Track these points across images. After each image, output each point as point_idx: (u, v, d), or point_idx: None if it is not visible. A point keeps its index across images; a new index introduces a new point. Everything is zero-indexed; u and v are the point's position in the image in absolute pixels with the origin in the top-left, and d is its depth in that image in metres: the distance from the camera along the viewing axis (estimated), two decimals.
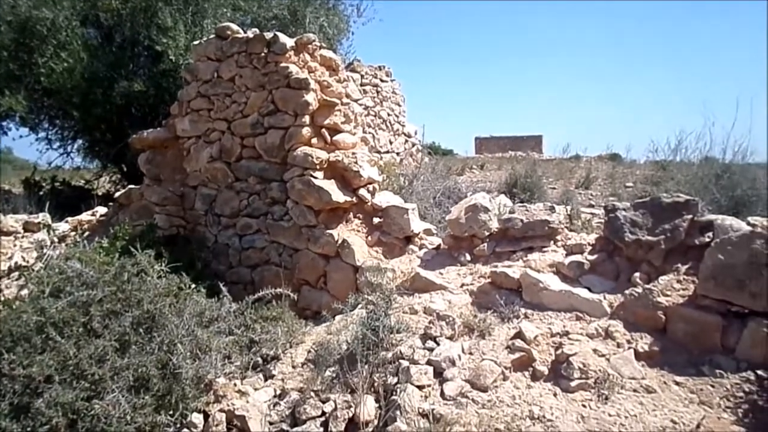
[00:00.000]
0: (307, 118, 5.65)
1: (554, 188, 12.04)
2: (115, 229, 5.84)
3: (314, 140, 5.73)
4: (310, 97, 5.59)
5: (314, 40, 5.97)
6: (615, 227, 4.23)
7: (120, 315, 4.23)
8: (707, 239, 3.91)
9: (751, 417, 3.13)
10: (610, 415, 3.26)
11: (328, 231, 5.55)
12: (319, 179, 5.56)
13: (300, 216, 5.72)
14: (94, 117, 10.61)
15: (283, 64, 5.76)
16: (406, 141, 13.43)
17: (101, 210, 7.94)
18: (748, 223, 3.83)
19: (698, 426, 2.90)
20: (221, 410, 4.03)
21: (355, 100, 6.37)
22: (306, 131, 5.65)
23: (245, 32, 6.23)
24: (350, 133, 5.95)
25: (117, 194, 7.87)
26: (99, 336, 4.09)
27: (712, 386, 3.38)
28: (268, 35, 5.90)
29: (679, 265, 4.01)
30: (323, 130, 5.78)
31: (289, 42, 5.80)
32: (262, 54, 5.90)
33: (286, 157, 5.80)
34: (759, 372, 3.35)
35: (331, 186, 5.53)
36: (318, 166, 5.55)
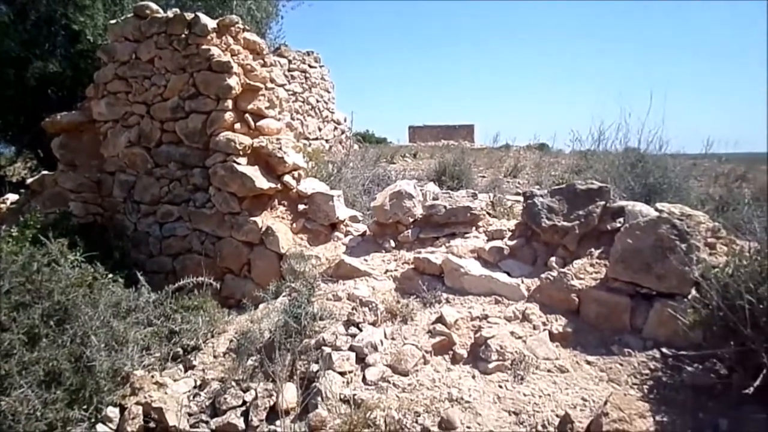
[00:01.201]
0: (229, 103, 5.51)
1: (484, 177, 12.23)
2: (26, 218, 5.52)
3: (237, 125, 5.59)
4: (232, 81, 5.45)
5: (237, 22, 5.82)
6: (533, 213, 4.35)
7: (29, 307, 4.01)
8: (618, 224, 4.08)
9: (655, 393, 3.29)
10: (524, 395, 3.36)
11: (251, 218, 5.45)
12: (243, 165, 5.43)
13: (223, 203, 5.58)
14: (5, 99, 10.00)
15: (204, 47, 5.58)
16: (336, 128, 13.34)
17: (12, 197, 7.49)
18: (656, 209, 4.01)
19: (605, 403, 3.02)
20: (138, 403, 3.90)
21: (280, 85, 6.29)
22: (229, 116, 5.51)
23: (166, 12, 6.00)
24: (275, 118, 5.84)
25: (29, 181, 7.45)
26: (6, 329, 3.86)
27: (621, 364, 3.53)
28: (189, 16, 5.70)
29: (593, 249, 4.17)
30: (247, 115, 5.65)
31: (211, 23, 5.63)
32: (183, 35, 5.70)
33: (208, 142, 5.64)
34: (664, 350, 3.52)
35: (254, 172, 5.42)
36: (241, 152, 5.42)
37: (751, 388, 2.79)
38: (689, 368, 3.31)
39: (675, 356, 3.41)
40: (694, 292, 3.49)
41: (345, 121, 13.37)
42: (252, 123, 5.66)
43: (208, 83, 5.58)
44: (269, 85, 5.82)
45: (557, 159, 15.17)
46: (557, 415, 3.17)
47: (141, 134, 6.08)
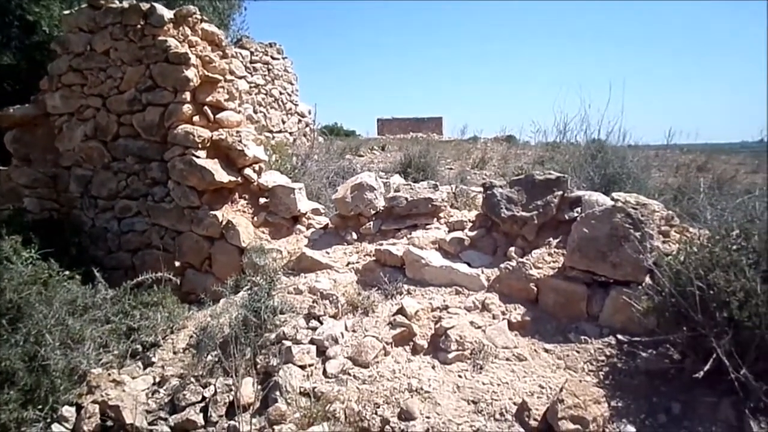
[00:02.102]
0: (187, 95, 5.41)
1: (451, 168, 12.30)
2: None
3: (196, 118, 5.49)
4: (190, 73, 5.34)
5: (195, 13, 5.71)
6: (492, 204, 4.37)
7: None
8: (576, 214, 4.13)
9: (611, 378, 3.35)
10: (483, 384, 3.39)
11: (212, 212, 5.36)
12: (202, 158, 5.34)
13: (182, 197, 5.49)
14: None
15: (161, 38, 5.46)
16: (300, 120, 13.20)
17: None
18: (612, 199, 4.07)
19: (561, 390, 3.06)
20: (94, 402, 3.83)
21: (240, 77, 6.18)
22: (187, 108, 5.41)
23: (121, 2, 5.85)
24: (234, 110, 5.75)
25: None
26: None
27: (578, 352, 3.58)
28: (145, 6, 5.56)
29: (551, 238, 4.22)
30: (205, 107, 5.55)
31: (168, 14, 5.51)
32: (139, 26, 5.56)
33: (166, 135, 5.52)
34: (619, 336, 3.59)
35: (214, 165, 5.33)
36: (200, 145, 5.33)
37: (701, 373, 2.84)
38: (643, 354, 3.37)
39: (630, 342, 3.46)
40: (648, 279, 3.55)
41: (309, 113, 13.27)
42: (211, 115, 5.56)
43: (165, 75, 5.46)
44: (228, 77, 5.73)
45: (524, 151, 15.32)
46: (515, 403, 3.21)
47: (97, 128, 5.93)
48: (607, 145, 6.68)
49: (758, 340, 2.88)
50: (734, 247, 3.17)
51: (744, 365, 2.85)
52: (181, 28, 5.62)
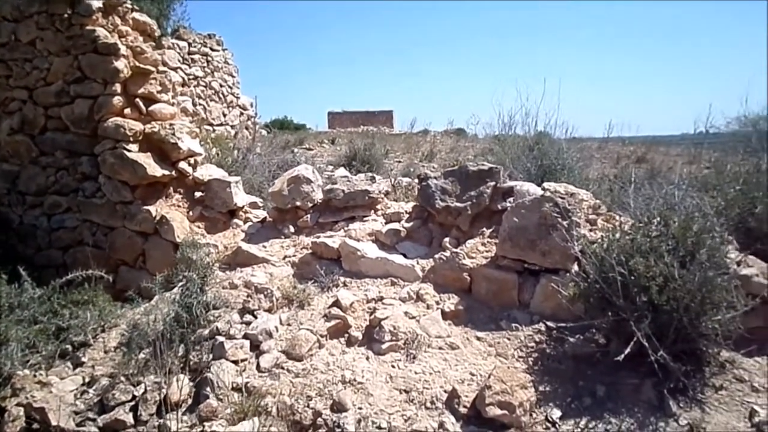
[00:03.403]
0: (118, 87, 5.24)
1: (400, 161, 12.37)
2: None
3: (127, 110, 5.32)
4: (120, 64, 5.18)
5: (125, 2, 5.52)
6: (427, 195, 4.41)
7: None
8: (509, 204, 4.19)
9: (539, 364, 3.42)
10: (416, 373, 3.41)
11: (145, 207, 5.23)
12: (134, 152, 5.18)
13: (114, 192, 5.32)
14: None
15: (89, 27, 5.26)
16: (242, 113, 12.98)
17: None
18: (543, 189, 4.15)
19: (489, 376, 3.11)
20: (19, 404, 3.70)
21: (174, 68, 6.02)
22: (117, 101, 5.24)
23: None
24: (168, 102, 5.60)
25: None
26: None
27: (509, 339, 3.65)
28: None
29: (484, 228, 4.28)
30: (137, 99, 5.38)
31: (96, 3, 5.30)
32: (66, 15, 5.34)
33: (96, 128, 5.33)
34: (548, 323, 3.67)
35: (147, 159, 5.19)
36: (132, 138, 5.17)
37: (623, 356, 2.93)
38: (571, 339, 3.45)
39: (558, 329, 3.56)
40: (575, 266, 3.64)
41: (251, 106, 13.07)
42: (143, 108, 5.40)
43: (94, 66, 5.28)
44: (162, 68, 5.58)
45: (472, 143, 15.50)
46: (446, 391, 3.24)
47: (24, 121, 5.69)
48: (545, 137, 6.82)
49: (676, 323, 2.99)
50: (654, 234, 3.27)
51: (663, 347, 2.95)
52: (110, 18, 5.43)
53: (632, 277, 3.06)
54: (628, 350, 2.93)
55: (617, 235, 3.34)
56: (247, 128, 10.72)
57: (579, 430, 2.95)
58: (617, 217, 4.01)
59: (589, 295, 3.32)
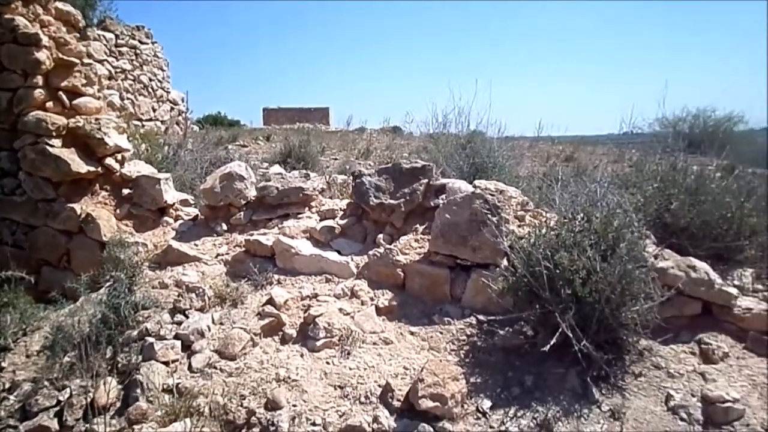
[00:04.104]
0: (39, 79, 5.00)
1: (336, 159, 12.35)
2: None
3: (49, 104, 5.08)
4: (42, 55, 4.95)
5: None
6: (361, 192, 4.44)
7: None
8: (441, 201, 4.27)
9: (470, 356, 3.51)
10: (350, 369, 3.44)
11: (69, 205, 5.02)
12: (57, 147, 4.96)
13: (35, 189, 5.08)
14: None
15: (8, 16, 4.99)
16: (172, 108, 12.62)
17: None
18: (474, 186, 4.25)
19: (422, 370, 3.17)
20: None
21: (100, 61, 5.80)
22: (39, 93, 5.00)
23: None
24: (93, 96, 5.39)
25: None
26: None
27: (441, 333, 3.73)
28: None
29: (418, 225, 4.35)
30: (60, 92, 5.15)
31: None
32: None
33: (16, 122, 5.06)
34: (479, 317, 3.77)
35: (70, 155, 4.98)
36: (54, 133, 4.94)
37: (548, 347, 3.04)
38: (501, 332, 3.56)
39: (488, 322, 3.65)
40: (505, 261, 3.75)
41: (182, 101, 12.74)
42: (67, 101, 5.18)
43: (13, 57, 5.01)
44: (86, 60, 5.36)
45: (408, 141, 15.64)
46: (380, 386, 3.28)
47: None
48: (478, 136, 6.99)
49: (598, 313, 3.13)
50: (578, 229, 3.41)
51: (586, 337, 3.09)
52: (31, 7, 5.17)
53: (557, 271, 3.18)
54: (553, 341, 3.04)
55: (543, 231, 3.46)
56: (178, 124, 10.46)
57: (508, 419, 3.04)
58: (544, 214, 4.16)
59: (517, 289, 3.42)
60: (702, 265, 3.58)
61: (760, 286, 3.84)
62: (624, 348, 3.33)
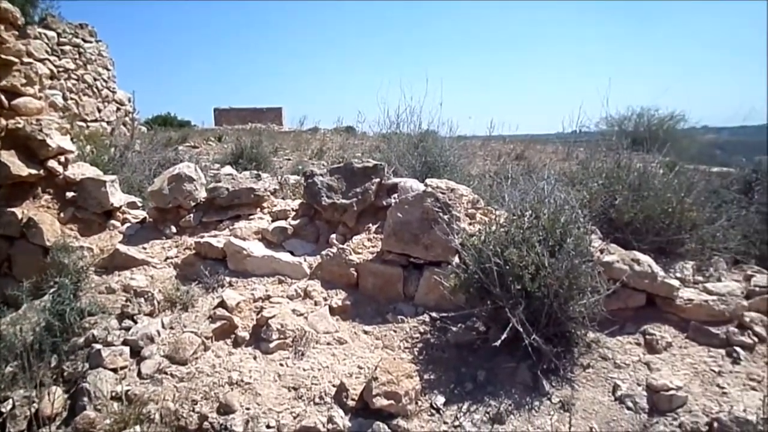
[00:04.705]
0: None
1: (289, 159, 12.26)
2: None
3: None
4: None
5: None
6: (313, 192, 4.42)
7: None
8: (393, 200, 4.30)
9: (424, 353, 3.54)
10: (304, 370, 3.42)
11: (10, 209, 4.81)
12: None
13: None
14: None
15: None
16: (119, 109, 12.26)
17: None
18: (425, 184, 4.29)
19: (376, 368, 3.18)
20: None
21: (41, 60, 5.60)
22: None
23: None
24: (34, 96, 5.18)
25: None
26: None
27: (395, 331, 3.75)
28: None
29: (370, 224, 4.36)
30: None
31: None
32: None
33: None
34: (432, 314, 3.81)
35: (10, 158, 4.78)
36: None
37: (499, 341, 3.09)
38: (453, 328, 3.60)
39: (441, 319, 3.69)
40: (456, 259, 3.79)
41: (129, 101, 12.41)
42: (6, 102, 4.97)
43: None
44: (26, 59, 5.16)
45: (362, 141, 15.66)
46: (334, 386, 3.27)
47: None
48: (430, 135, 7.05)
49: (547, 308, 3.20)
50: (527, 225, 3.48)
51: (536, 331, 3.16)
52: None
53: (507, 267, 3.23)
54: (504, 336, 3.09)
55: (493, 228, 3.52)
56: (124, 124, 10.19)
57: (461, 414, 3.08)
58: (494, 211, 4.22)
59: (469, 286, 3.47)
60: (645, 259, 3.70)
61: (700, 278, 4.00)
62: (572, 341, 3.41)
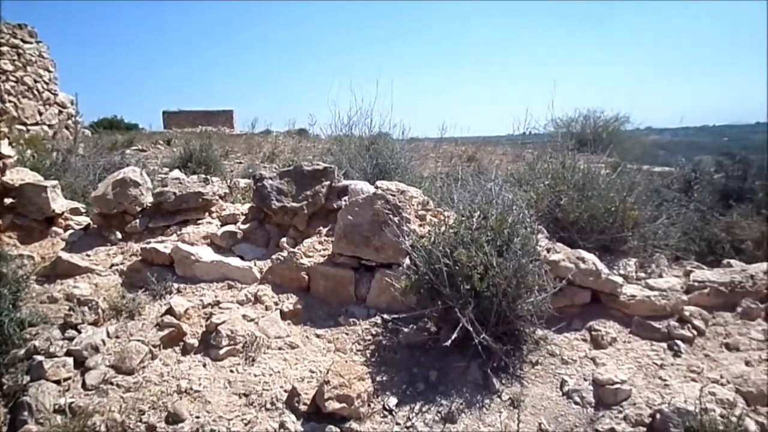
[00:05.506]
0: None
1: (241, 162, 12.11)
2: None
3: None
4: None
5: None
6: (263, 196, 4.38)
7: None
8: (344, 203, 4.29)
9: (376, 355, 3.55)
10: (255, 376, 3.38)
11: None
12: None
13: None
14: None
15: None
16: (61, 112, 11.83)
17: None
18: (375, 187, 4.30)
19: (328, 372, 3.17)
20: None
21: None
22: None
23: None
24: None
25: None
26: None
27: (347, 334, 3.74)
28: None
29: (321, 227, 4.35)
30: None
31: None
32: None
33: None
34: (384, 316, 3.82)
35: None
36: None
37: (450, 341, 3.12)
38: (405, 329, 3.62)
39: (393, 320, 3.70)
40: (407, 260, 3.81)
41: (72, 104, 12.02)
42: None
43: None
44: None
45: (314, 144, 15.59)
46: (286, 391, 3.25)
47: None
48: (382, 137, 7.07)
49: (496, 306, 3.25)
50: (475, 226, 3.53)
51: (486, 330, 3.20)
52: None
53: (456, 268, 3.27)
54: (455, 335, 3.13)
55: (443, 229, 3.56)
56: (67, 128, 9.85)
57: (414, 414, 3.10)
58: (444, 212, 4.26)
59: (419, 287, 3.49)
60: (590, 257, 3.80)
61: (642, 274, 4.14)
62: (521, 338, 3.48)
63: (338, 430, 2.97)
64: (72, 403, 3.25)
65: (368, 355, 3.56)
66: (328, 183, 4.34)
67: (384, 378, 3.35)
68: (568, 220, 4.26)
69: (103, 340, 3.65)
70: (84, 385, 3.40)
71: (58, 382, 3.41)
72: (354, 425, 3.00)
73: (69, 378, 3.45)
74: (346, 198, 4.32)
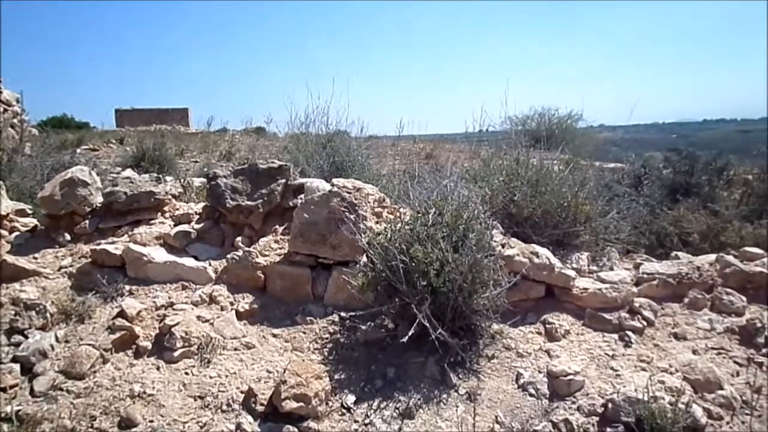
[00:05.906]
0: None
1: (197, 161, 11.90)
2: None
3: None
4: None
5: None
6: (217, 194, 4.31)
7: None
8: (299, 201, 4.26)
9: (334, 353, 3.54)
10: (211, 378, 3.33)
11: None
12: None
13: None
14: None
15: None
16: (6, 110, 11.39)
17: None
18: (331, 184, 4.28)
19: (284, 371, 3.14)
20: None
21: None
22: None
23: None
24: None
25: None
26: None
27: (304, 332, 3.72)
28: None
29: (277, 226, 4.31)
30: None
31: None
32: None
33: None
34: (341, 313, 3.81)
35: None
36: None
37: (407, 337, 3.13)
38: (363, 327, 3.62)
39: (350, 318, 3.70)
40: (364, 257, 3.81)
41: (17, 102, 11.61)
42: None
43: None
44: None
45: (272, 142, 15.43)
46: (242, 392, 3.21)
47: None
48: (339, 135, 7.06)
49: (453, 302, 3.28)
50: (431, 222, 3.55)
51: (442, 326, 3.23)
52: None
53: (413, 264, 3.28)
54: (411, 331, 3.15)
55: (399, 226, 3.57)
56: (12, 126, 9.49)
57: (372, 411, 3.10)
58: (400, 209, 4.27)
59: (376, 284, 3.49)
60: (544, 251, 3.87)
61: (594, 268, 4.24)
62: (477, 333, 3.51)
63: (296, 429, 2.95)
64: (19, 410, 3.14)
65: (326, 353, 3.55)
66: (284, 181, 4.31)
67: (342, 376, 3.34)
68: (522, 216, 4.33)
69: (51, 345, 3.54)
70: (32, 392, 3.29)
71: (4, 390, 3.29)
72: (312, 424, 2.98)
73: (15, 385, 3.33)
74: (302, 196, 4.30)
